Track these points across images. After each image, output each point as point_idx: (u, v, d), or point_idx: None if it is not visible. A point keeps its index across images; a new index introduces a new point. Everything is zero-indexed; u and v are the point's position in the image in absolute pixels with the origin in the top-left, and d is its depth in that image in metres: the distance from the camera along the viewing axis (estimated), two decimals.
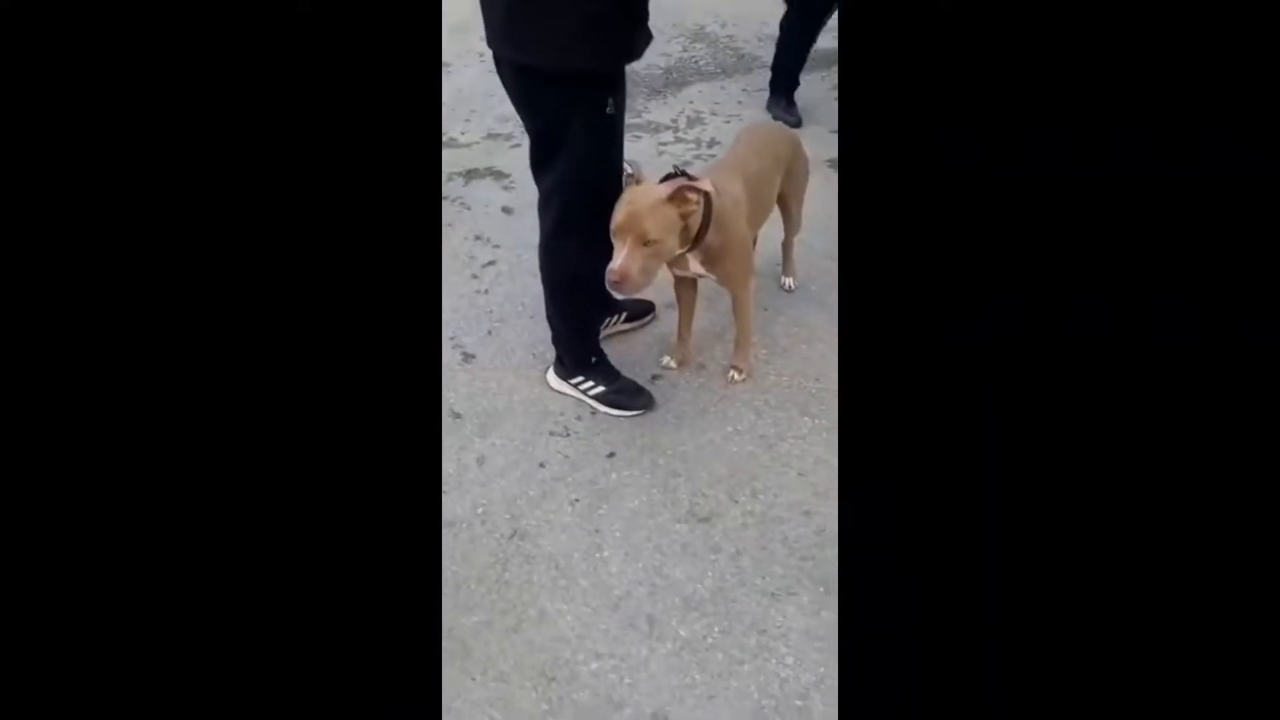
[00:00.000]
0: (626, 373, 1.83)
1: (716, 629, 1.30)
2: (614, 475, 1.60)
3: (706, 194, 1.45)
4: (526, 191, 2.18)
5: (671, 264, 1.60)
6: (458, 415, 1.76)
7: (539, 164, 1.50)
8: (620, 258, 1.34)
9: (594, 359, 1.73)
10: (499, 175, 2.77)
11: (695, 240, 1.48)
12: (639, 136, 3.04)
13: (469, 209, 2.58)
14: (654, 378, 1.85)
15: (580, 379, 1.74)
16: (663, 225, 1.36)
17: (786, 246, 2.07)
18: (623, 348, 1.93)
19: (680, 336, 1.84)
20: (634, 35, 1.36)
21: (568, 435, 1.70)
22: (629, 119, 3.25)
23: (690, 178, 1.51)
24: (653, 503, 1.53)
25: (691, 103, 3.37)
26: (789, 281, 2.10)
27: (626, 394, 1.73)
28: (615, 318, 1.95)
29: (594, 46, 1.30)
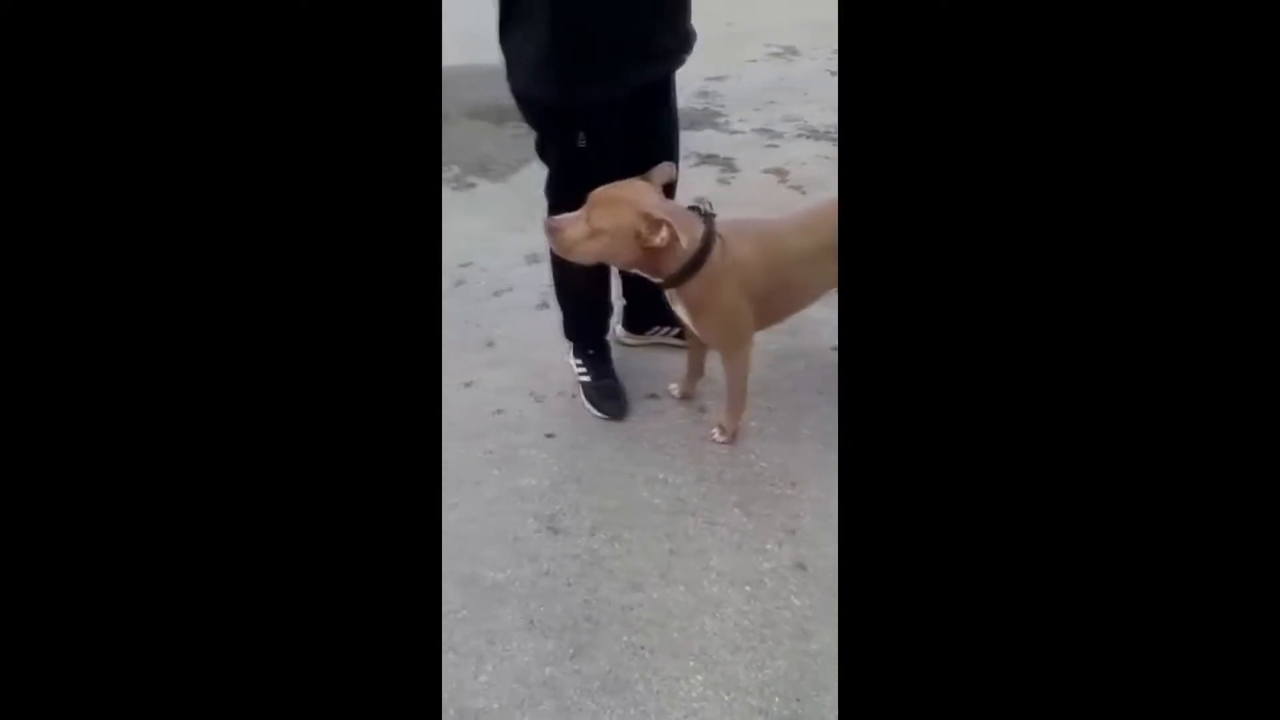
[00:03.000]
0: (633, 380, 1.83)
1: (464, 612, 1.34)
2: (534, 452, 1.67)
3: (707, 242, 1.37)
4: None
5: (671, 300, 1.54)
6: (490, 344, 1.99)
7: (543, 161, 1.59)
8: (567, 216, 1.37)
9: (591, 351, 1.77)
10: None
11: (673, 281, 1.41)
12: None
13: None
14: (651, 395, 1.81)
15: (578, 362, 1.80)
16: (612, 221, 1.33)
17: None
18: (652, 357, 1.91)
19: (688, 370, 1.75)
20: (588, 75, 1.33)
21: (540, 401, 1.81)
22: None
23: (707, 217, 1.41)
24: (535, 491, 1.57)
25: None
26: None
27: (601, 394, 1.74)
28: (667, 329, 1.92)
29: (549, 83, 1.34)
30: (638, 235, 1.33)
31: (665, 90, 1.51)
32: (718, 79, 3.59)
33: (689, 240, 1.35)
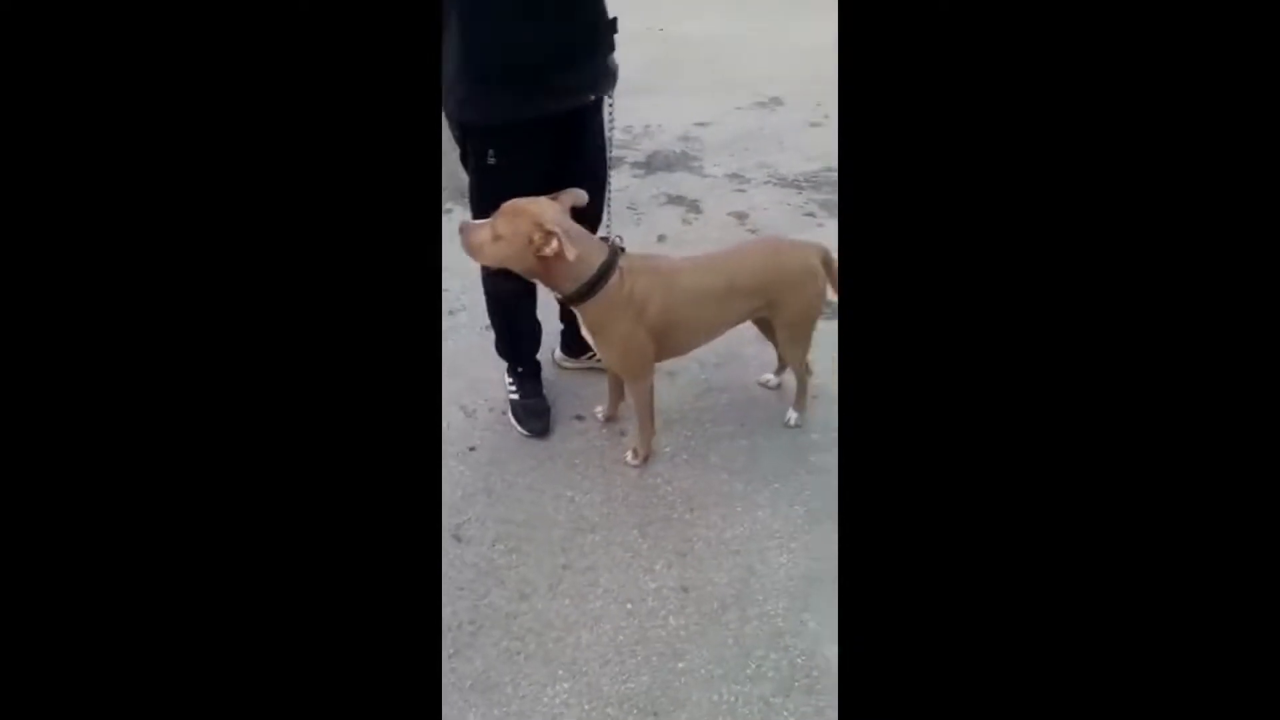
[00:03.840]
0: (563, 401, 1.91)
1: None
2: (453, 463, 1.74)
3: (606, 269, 1.47)
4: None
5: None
6: None
7: None
8: (479, 221, 1.47)
9: (521, 369, 1.86)
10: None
11: (571, 299, 1.50)
12: (821, 222, 2.79)
13: None
14: (577, 417, 1.89)
15: (510, 380, 1.89)
16: (510, 228, 1.42)
17: (799, 382, 1.81)
18: (585, 381, 2.00)
19: (610, 393, 1.83)
20: (486, 100, 1.45)
21: (469, 416, 1.89)
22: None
23: (614, 249, 1.51)
24: (447, 501, 1.64)
25: None
26: (793, 416, 1.84)
27: (526, 412, 1.83)
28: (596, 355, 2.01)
29: (454, 101, 1.47)
30: (530, 242, 1.42)
31: (583, 122, 1.61)
32: (702, 124, 3.73)
33: (577, 256, 1.42)
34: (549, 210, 1.43)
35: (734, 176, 3.22)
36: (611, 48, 1.56)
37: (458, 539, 1.56)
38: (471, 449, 1.79)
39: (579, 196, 1.49)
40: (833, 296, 1.77)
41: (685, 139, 3.61)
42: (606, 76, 1.56)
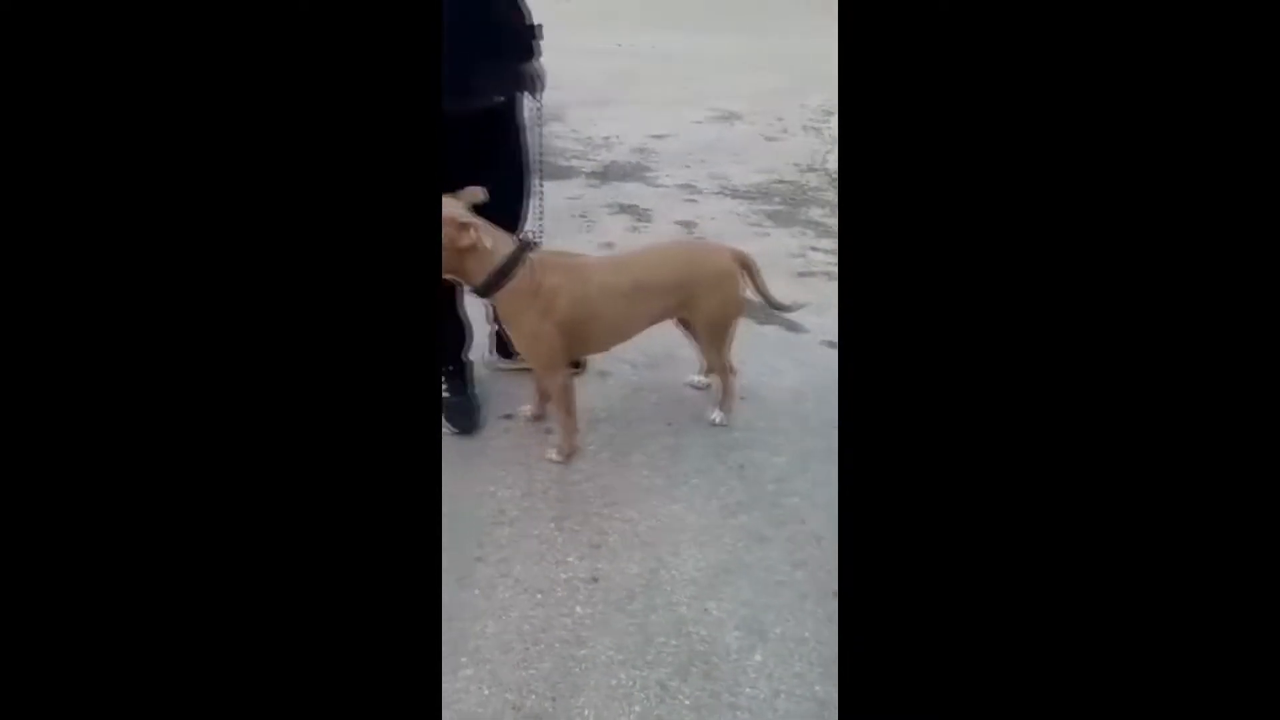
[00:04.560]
0: (493, 400, 1.94)
1: None
2: None
3: (514, 261, 1.51)
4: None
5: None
6: None
7: None
8: None
9: (450, 367, 1.89)
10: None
11: (482, 290, 1.53)
12: (766, 232, 2.86)
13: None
14: (505, 415, 1.92)
15: (443, 378, 1.92)
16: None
17: (723, 382, 1.85)
18: (517, 381, 2.02)
19: (537, 391, 1.86)
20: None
21: None
22: (787, 218, 3.06)
23: (525, 244, 1.55)
24: None
25: None
26: (717, 415, 1.88)
27: (455, 410, 1.85)
28: None
29: None
30: (451, 241, 1.45)
31: (494, 124, 1.65)
32: (659, 137, 3.81)
33: (493, 243, 1.48)
34: (453, 207, 1.47)
35: (686, 187, 3.29)
36: (529, 52, 1.62)
37: None
38: None
39: (476, 194, 1.53)
40: (754, 297, 1.82)
41: (641, 150, 3.68)
42: (517, 79, 1.61)
